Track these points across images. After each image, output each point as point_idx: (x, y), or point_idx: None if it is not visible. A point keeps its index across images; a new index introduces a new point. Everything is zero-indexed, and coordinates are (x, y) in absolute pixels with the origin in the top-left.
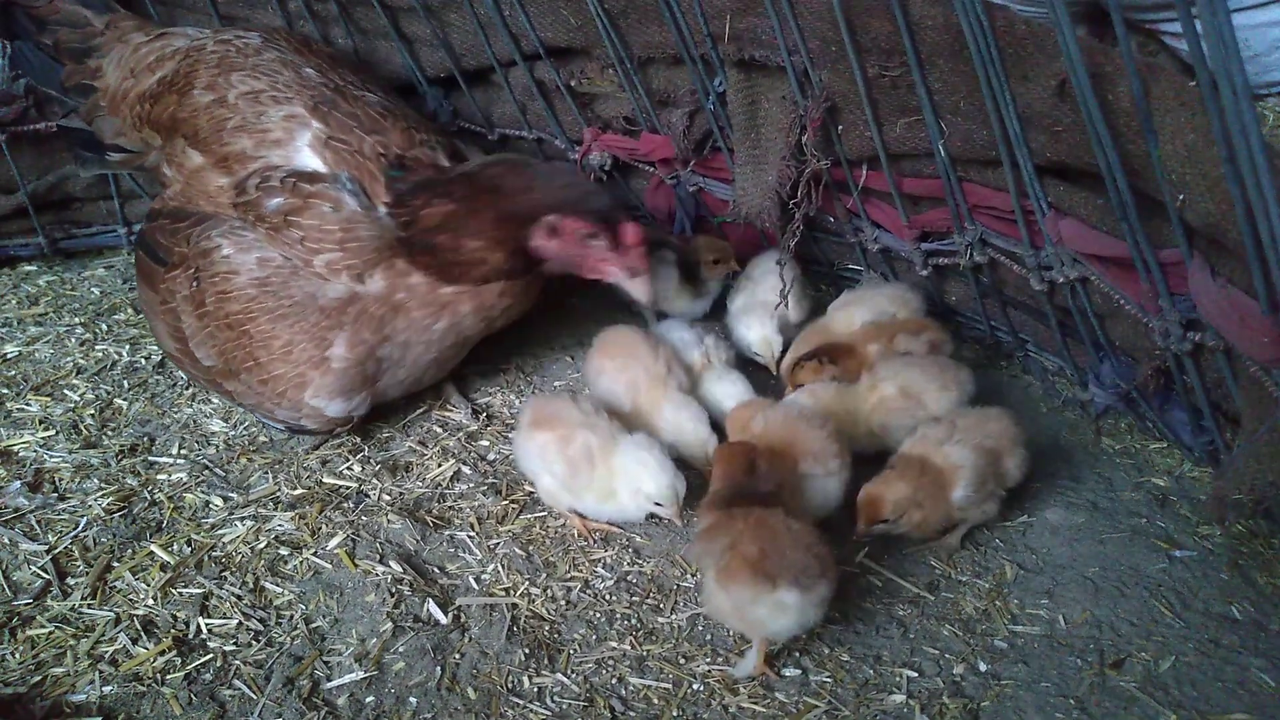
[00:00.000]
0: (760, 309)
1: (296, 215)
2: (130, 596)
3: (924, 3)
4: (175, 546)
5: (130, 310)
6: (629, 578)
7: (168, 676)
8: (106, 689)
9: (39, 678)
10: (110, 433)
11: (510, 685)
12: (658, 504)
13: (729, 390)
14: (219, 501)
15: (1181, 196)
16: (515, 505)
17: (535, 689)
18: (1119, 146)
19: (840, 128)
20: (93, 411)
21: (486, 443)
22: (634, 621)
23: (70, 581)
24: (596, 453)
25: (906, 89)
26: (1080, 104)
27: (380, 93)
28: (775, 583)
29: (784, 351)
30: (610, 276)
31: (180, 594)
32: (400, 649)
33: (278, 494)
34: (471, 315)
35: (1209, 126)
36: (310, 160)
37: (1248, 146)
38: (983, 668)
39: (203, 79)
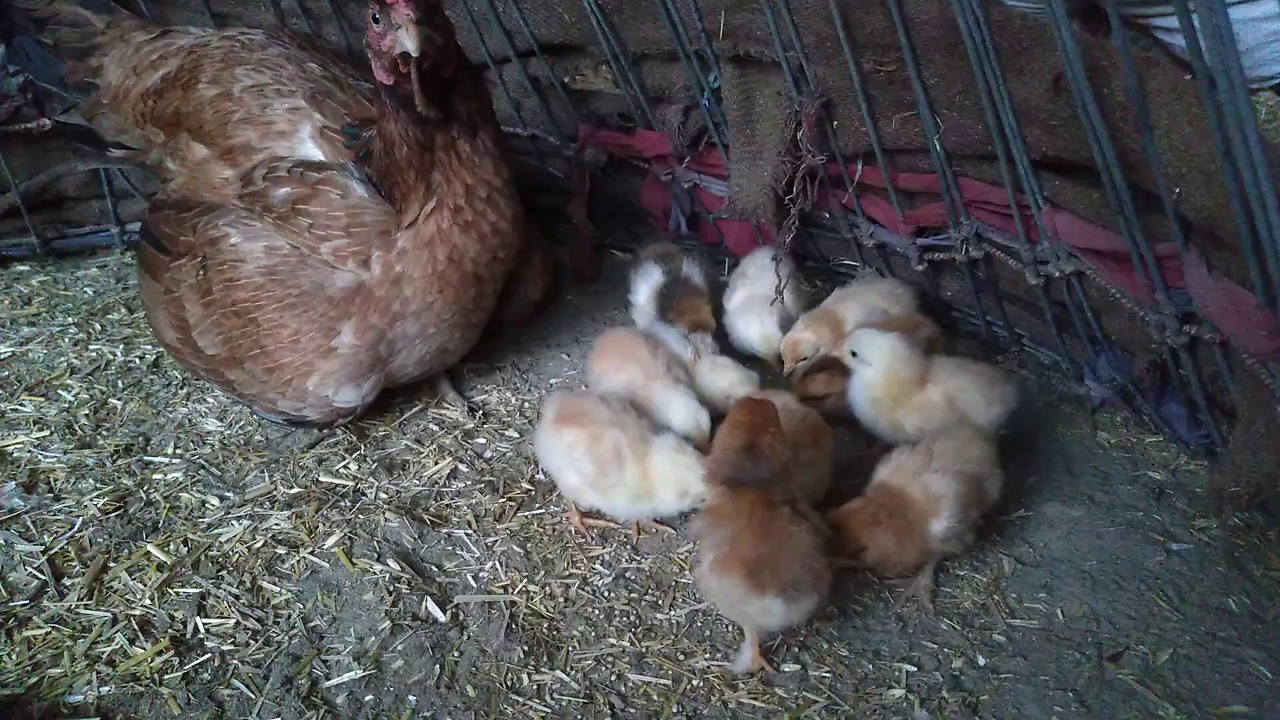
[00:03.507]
0: (758, 304)
1: (304, 203)
2: (127, 597)
3: None
4: (172, 546)
5: (124, 309)
6: (627, 574)
7: (165, 676)
8: (104, 690)
9: (36, 679)
10: (105, 433)
11: (509, 683)
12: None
13: (724, 378)
14: (215, 501)
15: (1177, 190)
16: (513, 503)
17: (534, 686)
18: (1115, 141)
19: (835, 123)
20: (87, 411)
21: (483, 440)
22: (633, 618)
23: (66, 582)
24: (627, 452)
25: (902, 84)
26: (1076, 98)
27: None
28: (764, 591)
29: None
30: (396, 46)
31: (177, 594)
32: (399, 647)
33: (274, 493)
34: (464, 238)
35: (1205, 120)
36: (313, 151)
37: (1245, 141)
38: (981, 662)
39: (207, 73)
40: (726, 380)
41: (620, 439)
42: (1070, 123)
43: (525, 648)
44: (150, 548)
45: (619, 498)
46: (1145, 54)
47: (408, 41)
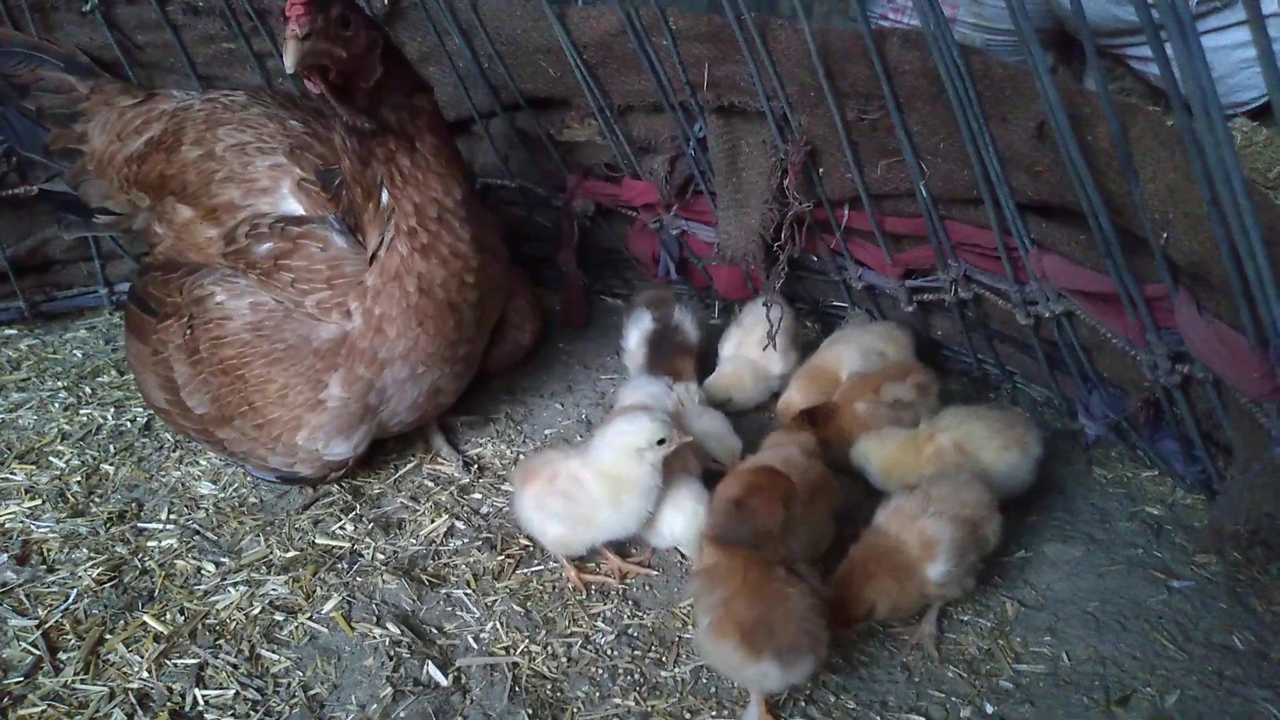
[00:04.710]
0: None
1: (286, 258)
2: (124, 670)
3: (900, 47)
4: (168, 616)
5: (114, 372)
6: (630, 631)
7: None
8: None
9: None
10: (98, 500)
11: None
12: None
13: (708, 427)
14: (211, 567)
15: (1165, 235)
16: (511, 560)
17: None
18: (1100, 186)
19: (821, 170)
20: (79, 478)
21: (479, 495)
22: (637, 676)
23: (62, 656)
24: (584, 474)
25: (886, 131)
26: (1060, 146)
27: None
28: (760, 655)
29: (776, 395)
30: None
31: (175, 665)
32: (401, 714)
33: (270, 557)
34: (426, 264)
35: (1189, 166)
36: (293, 205)
37: (1231, 188)
38: (989, 710)
39: (190, 135)
40: (714, 432)
41: (572, 466)
42: (1055, 168)
43: (529, 711)
44: (146, 618)
45: (605, 515)
46: (1127, 100)
47: (286, 59)
